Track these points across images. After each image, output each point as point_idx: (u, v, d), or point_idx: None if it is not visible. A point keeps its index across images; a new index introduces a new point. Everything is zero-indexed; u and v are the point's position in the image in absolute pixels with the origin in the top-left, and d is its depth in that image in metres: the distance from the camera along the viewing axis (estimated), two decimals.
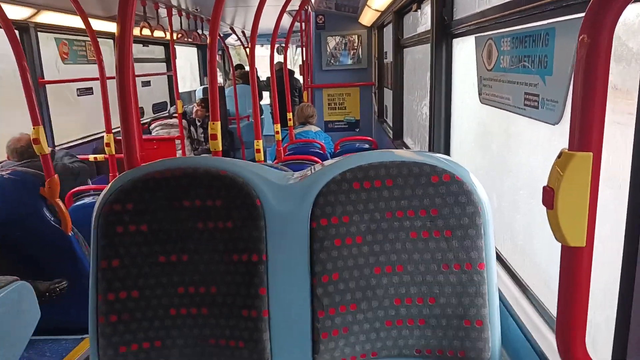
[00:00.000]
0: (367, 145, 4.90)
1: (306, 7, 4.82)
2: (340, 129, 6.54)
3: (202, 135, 6.35)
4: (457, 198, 1.15)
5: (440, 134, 2.43)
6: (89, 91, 5.36)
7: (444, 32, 2.31)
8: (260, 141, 3.18)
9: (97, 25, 4.83)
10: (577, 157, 0.70)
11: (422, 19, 3.26)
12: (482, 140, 2.04)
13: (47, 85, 4.56)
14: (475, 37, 1.84)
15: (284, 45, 5.31)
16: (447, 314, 1.17)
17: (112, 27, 5.18)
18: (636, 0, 0.70)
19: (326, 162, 1.25)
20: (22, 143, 3.41)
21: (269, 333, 1.19)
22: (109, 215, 1.21)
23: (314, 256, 1.18)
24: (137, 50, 6.54)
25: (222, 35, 7.72)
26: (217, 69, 8.12)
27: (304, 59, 6.70)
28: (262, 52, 10.99)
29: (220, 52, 9.49)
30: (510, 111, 1.53)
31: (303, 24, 6.25)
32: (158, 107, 7.51)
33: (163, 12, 4.80)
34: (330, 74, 6.36)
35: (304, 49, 6.67)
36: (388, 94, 5.03)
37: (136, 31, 4.99)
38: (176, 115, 5.60)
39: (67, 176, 3.44)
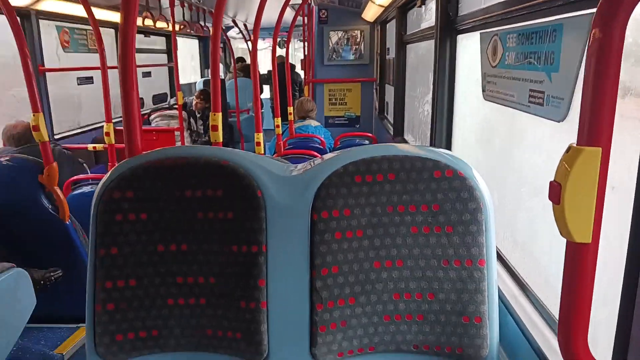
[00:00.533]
0: (367, 142, 4.89)
1: (309, 1, 4.79)
2: (341, 124, 6.53)
3: (202, 127, 6.33)
4: (460, 194, 1.14)
5: (442, 130, 2.42)
6: (89, 80, 5.33)
7: (449, 28, 2.30)
8: (261, 134, 3.16)
9: (100, 14, 4.80)
10: (585, 152, 0.69)
11: (426, 15, 3.25)
12: (484, 137, 2.04)
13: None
14: (481, 33, 1.83)
15: (285, 39, 5.29)
16: (445, 310, 1.17)
17: (114, 16, 5.15)
18: None
19: (327, 155, 1.24)
20: (19, 129, 3.39)
21: (266, 325, 1.18)
22: (109, 202, 1.20)
23: (314, 249, 1.17)
24: (138, 40, 6.48)
25: (224, 28, 7.68)
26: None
27: (306, 53, 6.67)
28: (262, 46, 10.95)
29: (221, 45, 9.45)
30: (514, 108, 1.52)
31: (306, 18, 6.22)
32: (158, 99, 7.49)
33: (165, 2, 4.77)
34: (332, 69, 6.35)
35: (306, 43, 6.65)
36: (389, 91, 5.02)
37: (138, 21, 4.97)
38: (176, 106, 5.57)
39: (64, 161, 3.42)
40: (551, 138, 1.36)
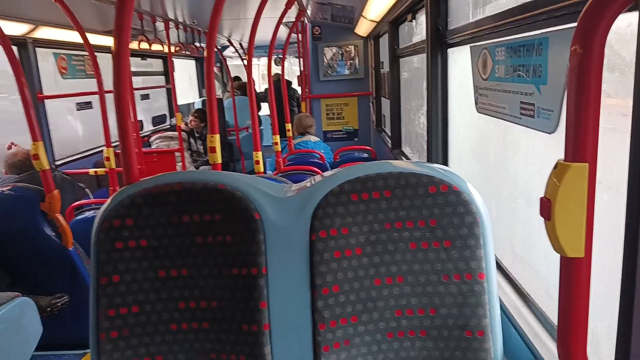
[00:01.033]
0: (366, 155, 4.91)
1: (302, 18, 4.85)
2: (339, 138, 6.56)
3: (202, 146, 6.36)
4: (455, 208, 1.15)
5: (437, 144, 2.44)
6: (88, 105, 5.38)
7: (439, 41, 2.32)
8: (260, 153, 3.18)
9: (95, 39, 4.86)
10: (572, 167, 0.70)
11: (417, 29, 3.29)
12: (479, 149, 2.05)
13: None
14: (470, 46, 1.86)
15: (281, 56, 5.34)
16: (448, 324, 1.17)
17: (110, 41, 5.21)
18: (627, 10, 0.71)
19: (325, 173, 1.26)
20: (19, 157, 3.42)
21: (270, 347, 1.19)
22: (109, 231, 1.21)
23: (314, 269, 1.17)
24: (135, 63, 6.57)
25: (219, 47, 7.76)
26: (216, 81, 8.15)
27: (302, 69, 6.73)
28: (262, 62, 11.04)
29: (218, 65, 9.54)
30: (506, 120, 1.54)
31: (300, 35, 6.29)
32: (157, 120, 7.54)
33: (160, 25, 4.84)
34: (328, 85, 6.39)
35: (301, 59, 6.71)
36: (386, 104, 5.05)
37: (134, 45, 5.04)
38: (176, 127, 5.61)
39: (66, 187, 3.44)
40: (544, 149, 1.37)
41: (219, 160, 2.13)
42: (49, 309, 2.62)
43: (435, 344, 1.18)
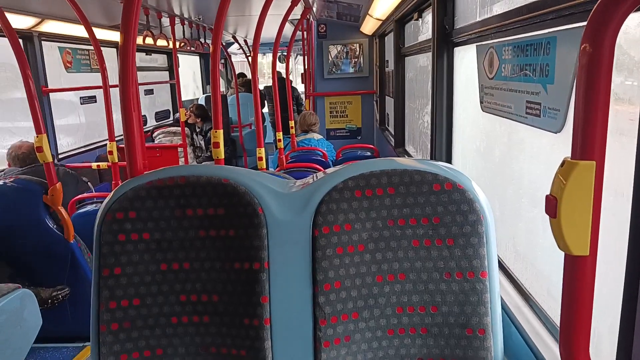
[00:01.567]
0: (368, 153, 4.90)
1: (308, 16, 4.84)
2: (342, 136, 6.56)
3: (203, 141, 6.36)
4: (459, 206, 1.15)
5: (442, 142, 2.43)
6: (92, 99, 5.38)
7: (445, 40, 2.32)
8: (262, 149, 3.18)
9: (101, 34, 4.87)
10: (579, 165, 0.70)
11: (423, 28, 3.28)
12: (484, 148, 2.04)
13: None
14: (477, 45, 1.85)
15: (285, 54, 5.34)
16: (449, 322, 1.17)
17: (115, 35, 5.22)
18: (637, 10, 0.70)
19: (328, 170, 1.25)
20: (24, 149, 3.43)
21: (270, 341, 1.19)
22: (111, 223, 1.21)
23: (316, 264, 1.17)
24: (140, 58, 6.58)
25: (224, 44, 7.76)
26: (220, 77, 8.16)
27: (306, 67, 6.73)
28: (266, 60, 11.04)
29: (222, 61, 9.54)
30: (512, 119, 1.53)
31: (305, 32, 6.28)
32: (161, 115, 7.54)
33: (166, 21, 4.84)
34: (332, 82, 6.39)
35: (305, 57, 6.70)
36: (389, 102, 5.04)
37: (139, 40, 5.03)
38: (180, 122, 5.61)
39: (69, 181, 3.45)
40: (551, 148, 1.37)
41: (222, 156, 2.13)
42: (50, 300, 2.63)
43: (436, 342, 1.18)
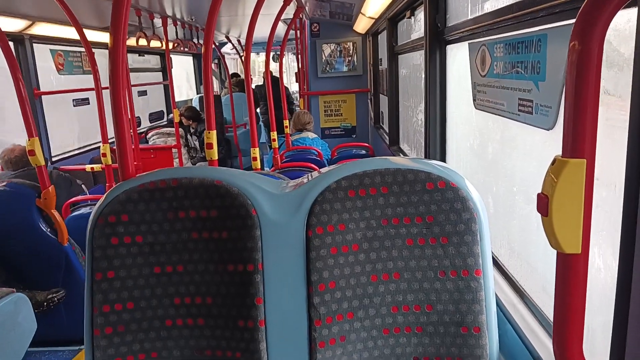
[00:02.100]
0: (363, 152, 4.91)
1: (301, 15, 4.83)
2: (337, 135, 6.55)
3: (197, 142, 6.35)
4: (453, 204, 1.15)
5: (435, 140, 2.43)
6: (85, 101, 5.36)
7: (438, 38, 2.32)
8: (257, 149, 3.18)
9: (93, 35, 4.84)
10: (570, 163, 0.70)
11: (416, 26, 3.28)
12: (477, 145, 2.05)
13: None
14: (469, 43, 1.85)
15: (279, 53, 5.32)
16: (444, 321, 1.17)
17: (107, 37, 5.19)
18: (626, 6, 0.70)
19: (321, 170, 1.25)
20: (16, 153, 3.41)
21: (265, 343, 1.18)
22: (104, 227, 1.20)
23: (310, 265, 1.17)
24: (133, 60, 6.54)
25: (217, 44, 7.74)
26: (214, 77, 8.13)
27: (300, 66, 6.72)
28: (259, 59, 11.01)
29: (216, 61, 9.52)
30: (504, 117, 1.53)
31: (298, 32, 6.27)
32: (154, 117, 7.52)
33: (158, 22, 4.82)
34: (326, 81, 6.38)
35: (299, 56, 6.70)
36: (384, 100, 5.04)
37: (132, 41, 5.01)
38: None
39: (62, 183, 3.44)
40: (543, 145, 1.37)
41: (216, 157, 2.12)
42: (45, 303, 2.62)
43: (432, 340, 1.18)
